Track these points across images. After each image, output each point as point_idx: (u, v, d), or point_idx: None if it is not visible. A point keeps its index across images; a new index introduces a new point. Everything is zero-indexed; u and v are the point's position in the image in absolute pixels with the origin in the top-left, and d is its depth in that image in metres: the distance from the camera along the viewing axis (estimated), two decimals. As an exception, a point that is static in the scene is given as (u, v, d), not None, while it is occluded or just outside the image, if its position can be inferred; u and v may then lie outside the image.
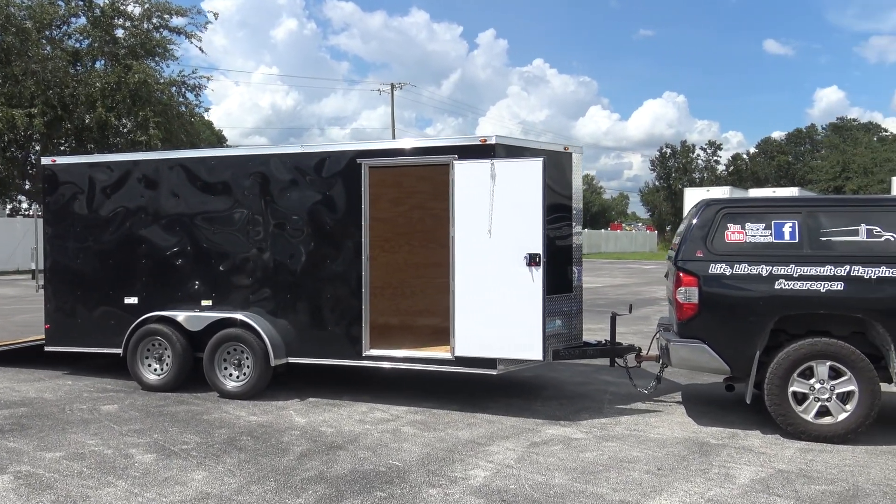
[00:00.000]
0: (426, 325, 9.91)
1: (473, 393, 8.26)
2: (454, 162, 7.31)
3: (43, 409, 7.50)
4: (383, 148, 7.82)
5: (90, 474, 5.52)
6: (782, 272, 6.67)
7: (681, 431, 6.85)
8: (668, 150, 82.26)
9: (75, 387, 8.60)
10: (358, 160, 7.70)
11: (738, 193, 44.45)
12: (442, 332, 9.26)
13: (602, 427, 6.98)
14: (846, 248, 6.58)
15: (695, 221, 7.05)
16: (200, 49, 29.19)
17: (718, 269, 6.84)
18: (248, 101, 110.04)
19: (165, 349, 8.29)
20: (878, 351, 6.60)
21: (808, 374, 6.61)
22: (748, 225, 6.92)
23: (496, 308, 7.16)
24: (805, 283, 6.59)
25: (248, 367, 7.98)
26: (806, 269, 6.61)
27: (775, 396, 6.63)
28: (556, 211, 7.79)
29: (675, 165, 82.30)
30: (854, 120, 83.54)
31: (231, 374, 8.06)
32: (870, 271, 6.46)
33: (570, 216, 8.09)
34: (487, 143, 7.28)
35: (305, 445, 6.29)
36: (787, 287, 6.64)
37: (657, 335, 8.15)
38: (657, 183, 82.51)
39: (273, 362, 7.81)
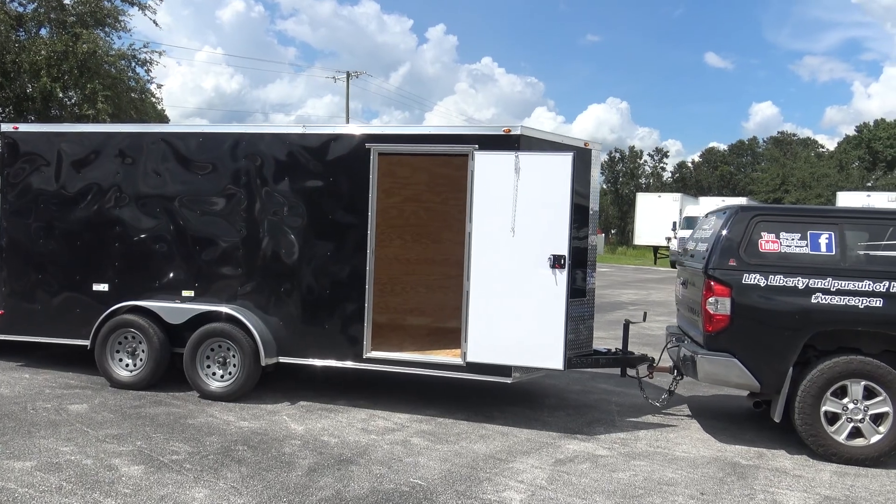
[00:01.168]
0: (417, 325, 9.34)
1: (475, 400, 7.74)
2: (474, 152, 6.76)
3: (1, 408, 6.64)
4: (396, 133, 7.19)
5: (72, 490, 4.78)
6: (819, 285, 6.36)
7: (705, 450, 6.48)
8: (617, 155, 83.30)
9: (34, 381, 7.72)
10: (367, 145, 7.07)
11: (689, 200, 45.17)
12: (436, 333, 8.72)
13: (623, 443, 6.56)
14: (885, 262, 6.31)
15: (725, 229, 6.68)
16: (154, 22, 27.57)
17: (752, 279, 6.48)
18: (190, 81, 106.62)
19: (140, 343, 7.49)
20: (912, 371, 6.36)
21: (840, 393, 6.33)
22: (783, 234, 6.59)
23: (515, 312, 6.65)
24: (843, 297, 6.29)
25: (234, 365, 7.26)
26: (844, 283, 6.31)
27: (807, 416, 6.32)
28: (575, 211, 7.31)
29: (623, 170, 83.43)
30: (793, 135, 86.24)
31: (215, 374, 7.33)
32: (910, 288, 6.20)
33: (588, 217, 7.65)
34: (512, 133, 6.76)
35: (311, 458, 5.66)
36: (824, 301, 6.33)
37: (668, 345, 7.79)
38: (604, 186, 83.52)
39: (263, 361, 7.12)
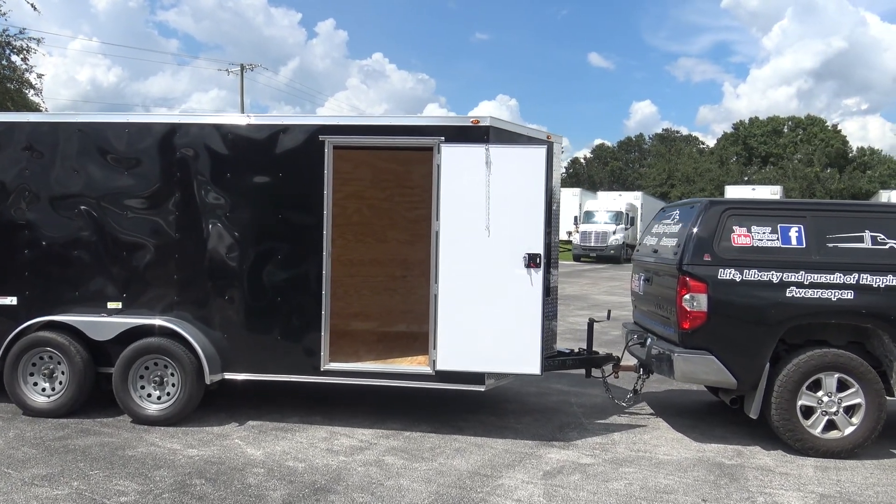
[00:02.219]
0: (364, 331, 8.76)
1: (435, 409, 7.27)
2: (441, 145, 6.29)
3: None
4: (354, 124, 6.59)
5: (8, 551, 3.97)
6: (793, 279, 6.31)
7: (685, 451, 6.31)
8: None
9: (-73, 414, 6.62)
10: (321, 137, 6.45)
11: (588, 195, 46.32)
12: (386, 339, 8.20)
13: (602, 448, 6.29)
14: (853, 255, 6.33)
15: (698, 224, 6.53)
16: (33, 6, 25.26)
17: (728, 274, 6.36)
18: (63, 73, 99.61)
19: (59, 364, 6.55)
20: (878, 362, 6.42)
21: (814, 386, 6.31)
22: (754, 228, 6.51)
23: (488, 315, 6.24)
24: (816, 290, 6.27)
25: (173, 385, 6.47)
26: (816, 276, 6.29)
27: (784, 411, 6.26)
28: (541, 206, 6.99)
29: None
30: (677, 132, 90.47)
31: (150, 395, 6.51)
32: (878, 280, 6.24)
33: (550, 213, 7.32)
34: (481, 124, 6.33)
35: (283, 489, 5.04)
36: (798, 295, 6.28)
37: (630, 342, 7.61)
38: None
39: (208, 379, 6.37)
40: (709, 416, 7.46)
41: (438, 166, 6.31)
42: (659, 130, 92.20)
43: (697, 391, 8.42)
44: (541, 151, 6.23)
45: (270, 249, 6.53)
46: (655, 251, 7.37)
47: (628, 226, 37.85)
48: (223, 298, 6.55)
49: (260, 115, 6.59)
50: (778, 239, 6.47)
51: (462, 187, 6.27)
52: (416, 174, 8.75)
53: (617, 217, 37.14)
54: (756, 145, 72.02)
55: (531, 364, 6.25)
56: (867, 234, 6.41)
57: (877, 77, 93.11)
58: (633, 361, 7.58)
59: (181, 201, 6.59)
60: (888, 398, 6.33)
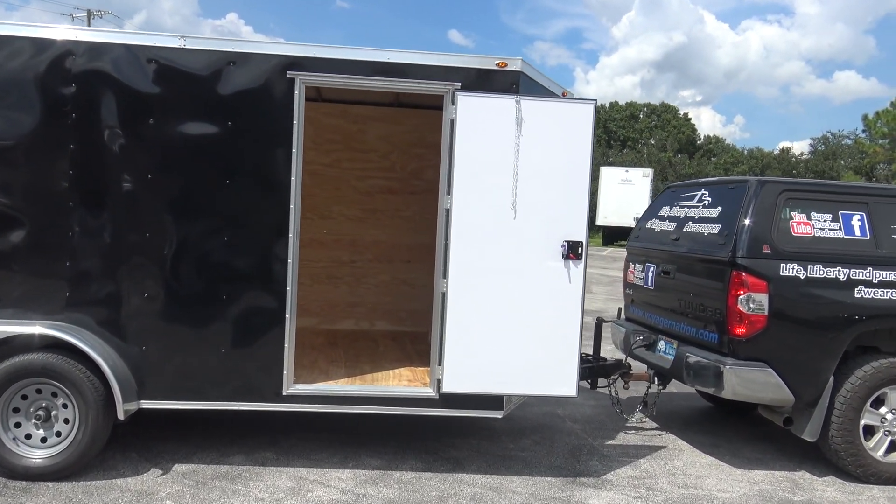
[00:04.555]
0: (301, 328, 6.97)
1: (408, 430, 5.72)
2: (457, 94, 4.69)
3: None
4: (340, 58, 4.77)
5: None
6: (861, 277, 5.33)
7: (735, 483, 5.21)
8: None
9: None
10: (289, 73, 4.64)
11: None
12: (334, 338, 6.52)
13: (643, 485, 5.04)
14: (920, 249, 5.44)
15: (751, 207, 5.38)
16: None
17: (791, 270, 5.27)
18: None
19: None
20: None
21: (876, 403, 5.40)
22: (814, 215, 5.46)
23: (512, 321, 4.77)
24: (886, 290, 5.33)
25: (66, 421, 4.49)
26: (885, 273, 5.35)
27: (847, 432, 5.30)
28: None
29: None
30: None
31: (31, 437, 4.49)
32: (952, 279, 5.40)
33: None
34: (509, 68, 4.79)
35: None
36: (867, 296, 5.31)
37: (634, 345, 6.43)
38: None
39: (122, 411, 4.46)
40: (721, 430, 6.47)
41: (452, 122, 4.71)
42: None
43: (680, 394, 7.44)
44: (588, 109, 4.79)
45: (213, 228, 4.67)
46: (676, 239, 6.18)
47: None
48: (141, 296, 4.62)
49: (201, 38, 4.65)
50: (840, 228, 5.46)
51: (483, 151, 4.71)
52: (370, 134, 7.04)
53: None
54: (615, 129, 74.54)
55: (566, 383, 4.86)
56: (933, 225, 5.54)
57: (710, 71, 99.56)
58: (645, 369, 6.41)
59: (79, 156, 4.55)
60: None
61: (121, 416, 4.44)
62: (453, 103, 4.71)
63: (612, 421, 6.48)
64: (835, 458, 5.37)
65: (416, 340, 6.70)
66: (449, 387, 4.78)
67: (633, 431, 6.29)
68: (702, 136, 76.39)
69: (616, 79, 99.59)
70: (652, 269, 6.47)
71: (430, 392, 4.86)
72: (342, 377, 5.20)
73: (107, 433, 4.54)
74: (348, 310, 7.11)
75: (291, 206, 4.69)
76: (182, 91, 4.60)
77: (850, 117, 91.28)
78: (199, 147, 4.62)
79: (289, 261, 4.71)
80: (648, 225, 6.78)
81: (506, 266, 4.75)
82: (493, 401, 4.89)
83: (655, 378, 6.22)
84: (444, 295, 4.76)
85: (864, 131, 54.19)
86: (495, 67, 4.76)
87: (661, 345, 6.24)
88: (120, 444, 5.01)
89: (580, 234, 4.79)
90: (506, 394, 4.88)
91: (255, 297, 4.70)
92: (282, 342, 4.71)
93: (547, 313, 4.79)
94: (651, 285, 6.47)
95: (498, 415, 4.93)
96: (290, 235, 4.70)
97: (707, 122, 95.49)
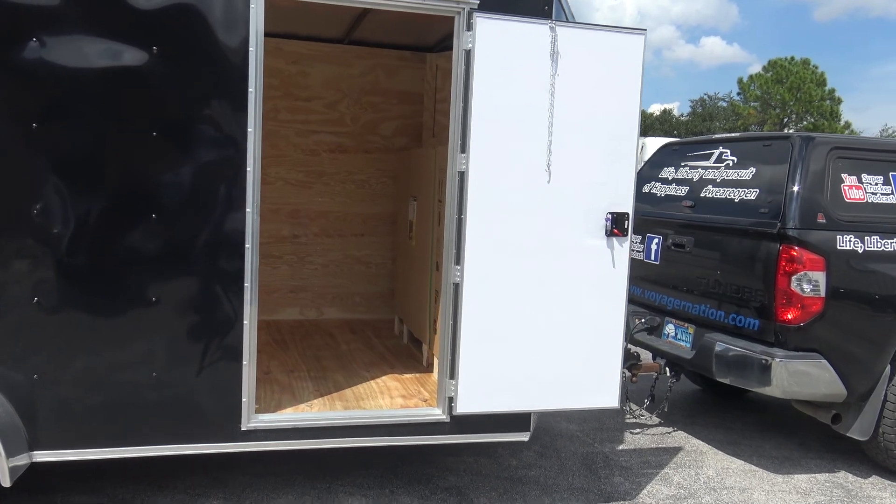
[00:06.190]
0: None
1: (393, 455, 4.54)
2: (475, 13, 3.46)
3: None
4: (313, -40, 3.44)
5: None
6: (919, 249, 4.61)
7: (781, 494, 4.46)
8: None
9: None
10: (242, -20, 3.26)
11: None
12: (291, 332, 5.24)
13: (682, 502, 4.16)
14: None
15: (800, 169, 4.51)
16: None
17: (848, 242, 4.47)
18: None
19: None
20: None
21: (927, 391, 4.75)
22: (865, 177, 4.67)
23: (543, 317, 3.67)
24: (944, 264, 4.64)
25: (-83, 493, 3.01)
26: (942, 244, 4.65)
27: (901, 428, 4.62)
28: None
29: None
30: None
31: None
32: None
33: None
34: (540, -14, 3.60)
35: None
36: (926, 271, 4.60)
37: (634, 330, 5.54)
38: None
39: (5, 474, 3.02)
40: (727, 420, 5.77)
41: (468, 54, 3.49)
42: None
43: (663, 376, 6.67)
44: (638, 41, 3.69)
45: (133, 201, 3.25)
46: (691, 206, 5.27)
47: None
48: (29, 302, 3.16)
49: (108, -82, 3.17)
50: (893, 193, 4.70)
51: (508, 95, 3.53)
52: (314, 78, 5.66)
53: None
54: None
55: (608, 391, 3.83)
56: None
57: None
58: (655, 359, 5.53)
59: (-82, 93, 3.00)
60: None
61: (6, 481, 3.01)
62: (469, 28, 3.48)
63: (608, 417, 5.59)
64: (883, 456, 4.69)
65: (381, 332, 5.50)
66: (465, 406, 3.64)
67: (639, 430, 5.41)
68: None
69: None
70: (656, 241, 5.53)
71: (438, 414, 3.70)
72: (312, 395, 3.94)
73: (-17, 504, 3.10)
74: (290, 296, 5.77)
75: (249, 170, 3.34)
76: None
77: (716, 82, 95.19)
78: (111, 84, 3.17)
79: (246, 245, 3.38)
80: (647, 190, 5.83)
81: (536, 246, 3.63)
82: (519, 420, 3.80)
83: (667, 369, 5.34)
84: (456, 287, 3.59)
85: (738, 94, 56.60)
86: (522, -17, 3.56)
87: (671, 329, 5.36)
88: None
89: (627, 204, 3.73)
90: (535, 410, 3.80)
91: (199, 297, 3.35)
92: (238, 358, 3.40)
93: (586, 305, 3.73)
94: (655, 259, 5.54)
95: (524, 437, 3.84)
96: (248, 210, 3.36)
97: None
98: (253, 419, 3.45)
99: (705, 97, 62.95)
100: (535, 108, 3.56)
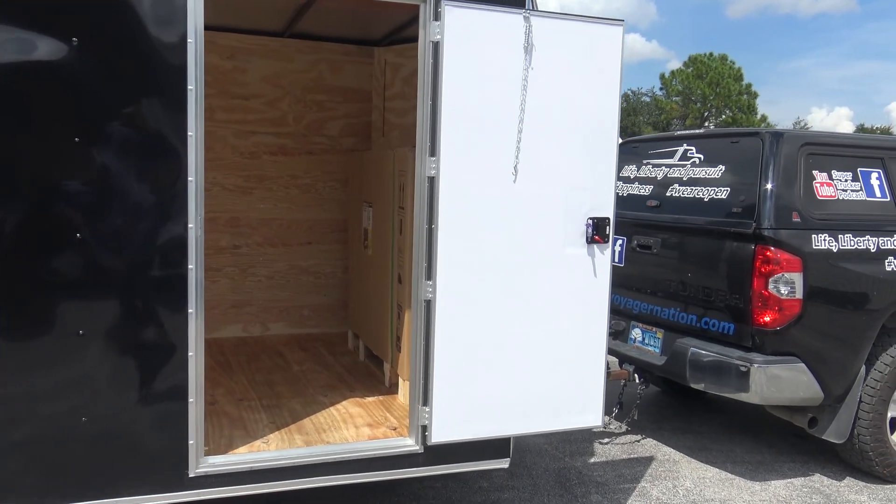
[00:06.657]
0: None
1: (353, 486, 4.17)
2: (444, 4, 3.11)
3: None
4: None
5: None
6: (889, 246, 4.52)
7: (759, 501, 4.28)
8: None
9: None
10: (177, -40, 2.82)
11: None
12: (235, 351, 4.80)
13: (677, 526, 3.95)
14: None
15: (772, 166, 4.36)
16: None
17: (823, 241, 4.34)
18: None
19: None
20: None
21: (896, 391, 4.68)
22: (835, 173, 4.55)
23: (524, 332, 3.37)
24: (915, 261, 4.57)
25: None
26: (910, 241, 4.58)
27: (876, 429, 4.53)
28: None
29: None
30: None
31: None
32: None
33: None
34: (511, -28, 3.29)
35: None
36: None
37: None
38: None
39: None
40: (693, 424, 5.63)
41: (436, 46, 3.14)
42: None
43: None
44: (616, 33, 3.42)
45: (54, 218, 2.78)
46: (656, 206, 5.07)
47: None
48: (-74, 341, 2.65)
49: None
50: (861, 189, 4.60)
51: (480, 91, 3.21)
52: (252, 75, 5.21)
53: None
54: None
55: (591, 410, 3.56)
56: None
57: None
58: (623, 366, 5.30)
59: None
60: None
61: None
62: (437, 18, 3.13)
63: (585, 435, 5.34)
64: (858, 458, 4.59)
65: (333, 349, 5.09)
66: (440, 435, 3.30)
67: (607, 440, 5.19)
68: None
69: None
70: (620, 242, 5.32)
71: (411, 445, 3.34)
72: (267, 429, 3.53)
73: None
74: (232, 312, 5.30)
75: (191, 179, 2.91)
76: (-19, -20, 2.62)
77: (637, 77, 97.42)
78: (24, 82, 2.69)
79: (190, 266, 2.94)
80: (628, 191, 5.60)
81: (514, 257, 3.32)
82: (499, 447, 3.48)
83: (636, 376, 5.13)
84: (428, 304, 3.24)
85: (661, 89, 58.04)
86: (493, -32, 3.23)
87: (638, 333, 5.16)
88: None
89: (607, 209, 3.47)
90: (516, 434, 3.49)
91: (135, 328, 2.90)
92: (183, 396, 2.96)
93: (568, 319, 3.44)
94: (620, 261, 5.33)
95: (504, 464, 3.53)
96: (191, 225, 2.92)
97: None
98: (202, 463, 3.02)
99: (629, 92, 64.29)
100: (509, 106, 3.24)
